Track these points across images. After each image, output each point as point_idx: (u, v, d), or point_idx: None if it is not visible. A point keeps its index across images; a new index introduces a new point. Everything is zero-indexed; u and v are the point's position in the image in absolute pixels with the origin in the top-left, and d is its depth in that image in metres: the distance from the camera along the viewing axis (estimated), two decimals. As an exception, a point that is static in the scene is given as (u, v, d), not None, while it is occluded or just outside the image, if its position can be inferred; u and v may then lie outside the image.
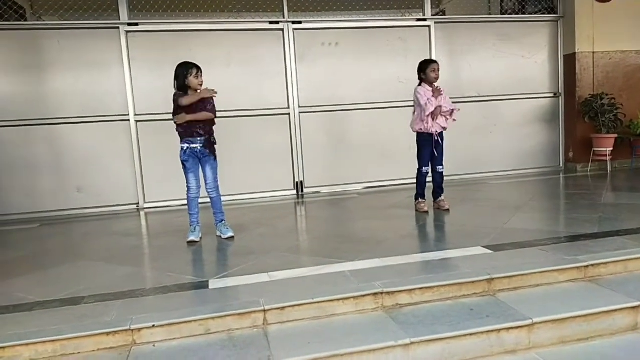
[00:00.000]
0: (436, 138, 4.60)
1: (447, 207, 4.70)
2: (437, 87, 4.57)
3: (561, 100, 7.14)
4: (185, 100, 3.80)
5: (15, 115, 5.58)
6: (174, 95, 3.88)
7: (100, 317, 2.47)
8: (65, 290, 2.93)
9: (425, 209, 4.71)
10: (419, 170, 4.70)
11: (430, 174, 4.73)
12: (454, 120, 4.68)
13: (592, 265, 2.88)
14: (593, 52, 6.81)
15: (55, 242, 4.48)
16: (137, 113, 5.84)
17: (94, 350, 2.31)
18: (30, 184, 5.69)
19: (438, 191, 4.77)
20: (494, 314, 2.49)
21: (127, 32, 5.75)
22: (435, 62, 4.62)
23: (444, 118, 4.59)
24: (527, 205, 4.75)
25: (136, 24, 5.77)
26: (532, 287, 2.77)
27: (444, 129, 4.65)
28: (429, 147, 4.62)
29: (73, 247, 4.28)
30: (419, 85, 4.60)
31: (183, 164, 3.97)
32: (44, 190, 5.74)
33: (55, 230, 4.98)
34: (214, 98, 3.97)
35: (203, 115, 3.89)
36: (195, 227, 4.06)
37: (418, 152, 4.68)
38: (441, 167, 4.70)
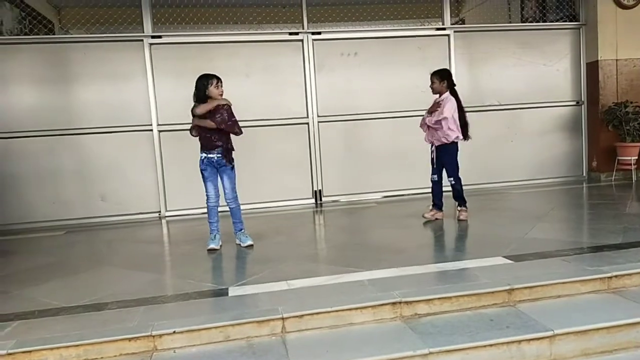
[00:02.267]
0: (432, 149, 4.71)
1: (462, 217, 4.66)
2: (436, 101, 4.67)
3: (584, 108, 7.02)
4: (199, 110, 3.91)
5: (42, 126, 5.74)
6: (192, 108, 3.98)
7: (123, 323, 2.53)
8: (89, 296, 3.00)
9: (427, 217, 4.75)
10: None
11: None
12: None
13: (616, 276, 2.82)
14: (616, 60, 6.69)
15: (80, 249, 4.59)
16: (159, 123, 5.96)
17: (116, 356, 2.36)
18: (56, 192, 5.84)
19: (456, 201, 4.77)
20: (514, 324, 2.46)
21: (151, 44, 5.89)
22: (432, 73, 4.67)
23: (435, 131, 4.64)
24: (548, 215, 4.67)
25: (159, 37, 5.91)
26: (554, 298, 2.73)
27: (436, 143, 4.66)
28: (431, 155, 4.75)
29: (97, 254, 4.38)
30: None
31: (201, 173, 4.07)
32: (70, 198, 5.88)
33: (79, 238, 5.10)
34: (228, 109, 4.00)
35: (207, 123, 3.93)
36: (215, 235, 4.12)
37: None
38: (451, 179, 4.69)
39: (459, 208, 4.74)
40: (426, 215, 4.77)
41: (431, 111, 4.63)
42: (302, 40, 6.24)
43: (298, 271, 3.28)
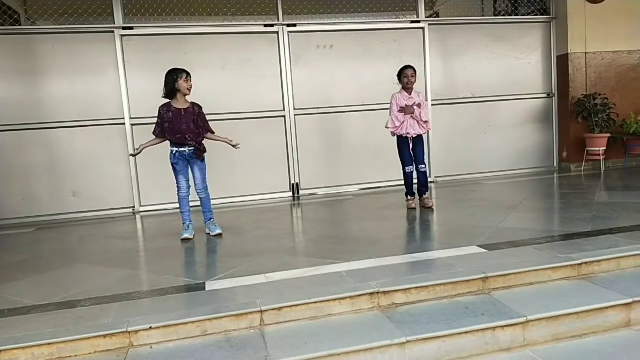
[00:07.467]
0: (411, 141, 4.79)
1: (430, 204, 4.87)
2: (413, 104, 4.71)
3: (554, 100, 7.19)
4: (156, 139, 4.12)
5: (10, 120, 5.57)
6: (160, 109, 4.04)
7: (97, 320, 2.48)
8: (62, 294, 2.93)
9: (413, 205, 4.90)
10: (403, 169, 4.89)
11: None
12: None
13: (586, 263, 2.91)
14: (586, 53, 6.86)
15: (51, 246, 4.47)
16: (132, 117, 5.84)
17: (90, 353, 2.31)
18: (26, 188, 5.68)
19: (422, 189, 4.93)
20: (489, 312, 2.51)
21: (122, 35, 5.75)
22: (408, 67, 4.76)
23: (417, 124, 4.76)
24: (521, 205, 4.78)
25: (131, 28, 5.78)
26: (527, 286, 2.80)
27: (421, 132, 4.81)
28: (406, 148, 4.81)
29: (69, 250, 4.28)
30: (399, 91, 4.83)
31: (173, 167, 4.12)
32: (40, 194, 5.72)
33: (50, 235, 4.97)
34: (203, 113, 4.17)
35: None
36: (188, 225, 4.19)
37: (398, 153, 4.89)
38: (423, 166, 4.86)
39: (425, 196, 4.91)
40: (413, 205, 4.90)
41: (410, 112, 4.72)
42: (277, 33, 6.19)
43: (276, 264, 3.28)
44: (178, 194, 4.16)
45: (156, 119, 4.06)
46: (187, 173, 4.15)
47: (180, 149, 4.06)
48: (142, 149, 4.08)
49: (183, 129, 4.00)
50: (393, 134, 4.87)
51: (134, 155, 4.21)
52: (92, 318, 2.51)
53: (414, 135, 4.78)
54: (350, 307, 2.58)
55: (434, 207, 4.88)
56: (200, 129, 4.12)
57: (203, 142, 4.16)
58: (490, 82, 6.93)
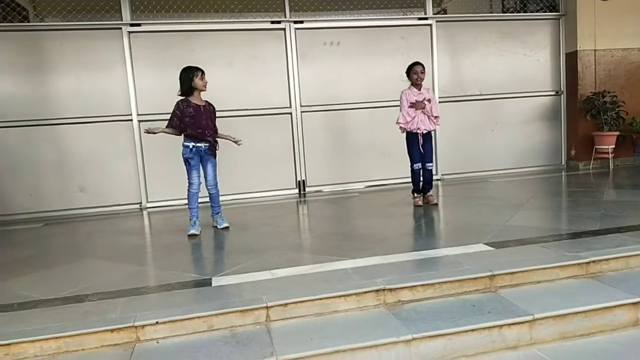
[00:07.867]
0: (421, 137, 4.78)
1: (434, 201, 4.93)
2: (423, 99, 4.72)
3: (563, 98, 7.13)
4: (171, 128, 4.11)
5: (19, 116, 5.61)
6: (179, 103, 4.06)
7: (104, 314, 2.49)
8: (69, 288, 2.95)
9: (420, 203, 4.94)
10: (411, 166, 4.90)
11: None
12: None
13: (594, 261, 2.88)
14: (595, 50, 6.80)
15: (59, 241, 4.50)
16: (139, 113, 5.86)
17: (97, 347, 2.33)
18: (34, 184, 5.72)
19: (426, 187, 4.96)
20: (496, 310, 2.49)
21: (130, 32, 5.77)
22: (417, 64, 4.77)
23: (427, 119, 4.77)
24: (528, 203, 4.75)
25: (139, 25, 5.80)
26: (534, 284, 2.78)
27: (428, 130, 4.82)
28: (416, 145, 4.80)
29: (76, 246, 4.31)
30: (408, 87, 4.83)
31: (187, 162, 4.13)
32: (48, 190, 5.76)
33: (58, 230, 5.00)
34: (215, 112, 4.27)
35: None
36: (195, 222, 4.22)
37: (407, 149, 4.89)
38: (430, 164, 4.90)
39: (429, 193, 4.95)
40: (419, 202, 4.94)
41: (422, 107, 4.72)
42: (284, 29, 6.18)
43: (282, 260, 3.28)
44: (189, 190, 4.17)
45: (173, 112, 4.06)
46: (199, 169, 4.18)
47: (198, 144, 4.10)
48: (159, 132, 4.05)
49: (204, 124, 4.08)
50: (403, 130, 4.83)
51: (148, 132, 4.08)
52: (99, 312, 2.53)
53: (424, 131, 4.77)
54: (355, 304, 2.58)
55: (437, 203, 4.94)
56: (215, 127, 4.22)
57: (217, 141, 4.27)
58: (498, 80, 6.89)
